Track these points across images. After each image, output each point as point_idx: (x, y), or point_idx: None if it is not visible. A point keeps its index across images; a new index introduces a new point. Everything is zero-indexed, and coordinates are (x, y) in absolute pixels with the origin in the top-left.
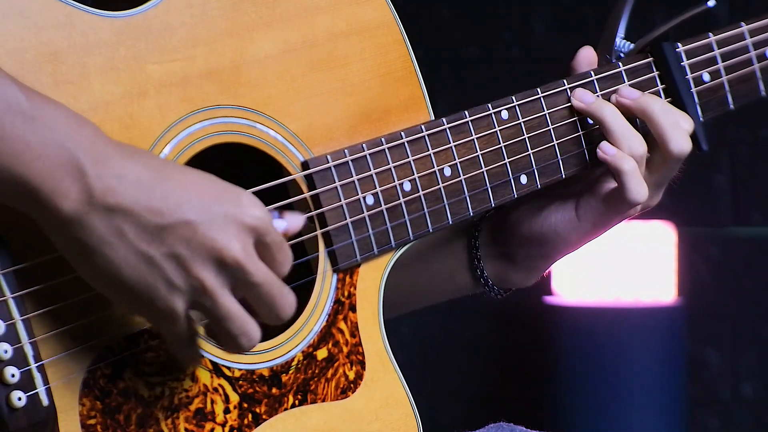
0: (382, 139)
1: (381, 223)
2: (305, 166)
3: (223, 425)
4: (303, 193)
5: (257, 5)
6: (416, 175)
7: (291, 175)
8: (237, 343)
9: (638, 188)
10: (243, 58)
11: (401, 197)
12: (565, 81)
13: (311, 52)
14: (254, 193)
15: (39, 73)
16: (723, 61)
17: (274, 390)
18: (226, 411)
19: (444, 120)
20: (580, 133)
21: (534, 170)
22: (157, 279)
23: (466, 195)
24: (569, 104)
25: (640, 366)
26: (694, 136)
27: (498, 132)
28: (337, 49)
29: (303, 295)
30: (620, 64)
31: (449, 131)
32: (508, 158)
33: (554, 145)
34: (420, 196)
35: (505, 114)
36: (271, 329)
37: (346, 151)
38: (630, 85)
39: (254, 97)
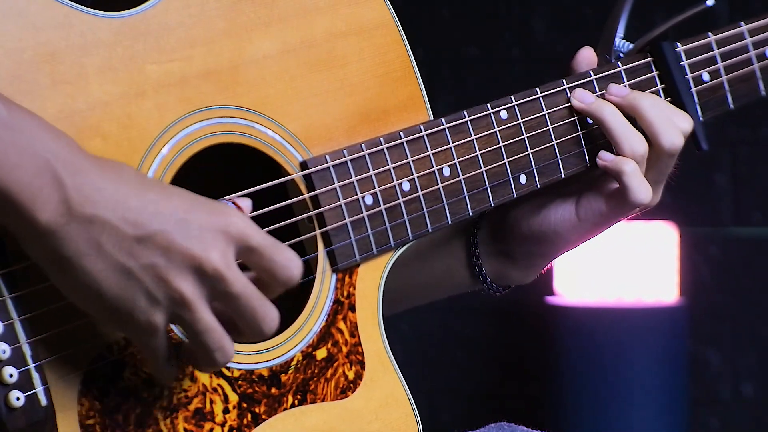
0: (381, 139)
1: (380, 223)
2: (304, 166)
3: (222, 425)
4: (302, 194)
5: (256, 5)
6: (415, 175)
7: (290, 175)
8: (212, 358)
9: (641, 188)
10: (241, 58)
11: (400, 197)
12: (564, 81)
13: (310, 52)
14: (253, 193)
15: (37, 73)
16: (722, 61)
17: (273, 390)
18: (225, 411)
19: (443, 120)
20: (580, 132)
21: (533, 170)
22: (136, 292)
23: (466, 195)
24: (568, 104)
25: (641, 366)
26: (693, 136)
27: (497, 132)
28: (335, 49)
29: (302, 294)
30: (619, 63)
31: (448, 131)
32: (507, 158)
33: (553, 144)
34: (419, 196)
35: (504, 114)
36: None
37: (345, 151)
38: (629, 85)
39: (253, 97)
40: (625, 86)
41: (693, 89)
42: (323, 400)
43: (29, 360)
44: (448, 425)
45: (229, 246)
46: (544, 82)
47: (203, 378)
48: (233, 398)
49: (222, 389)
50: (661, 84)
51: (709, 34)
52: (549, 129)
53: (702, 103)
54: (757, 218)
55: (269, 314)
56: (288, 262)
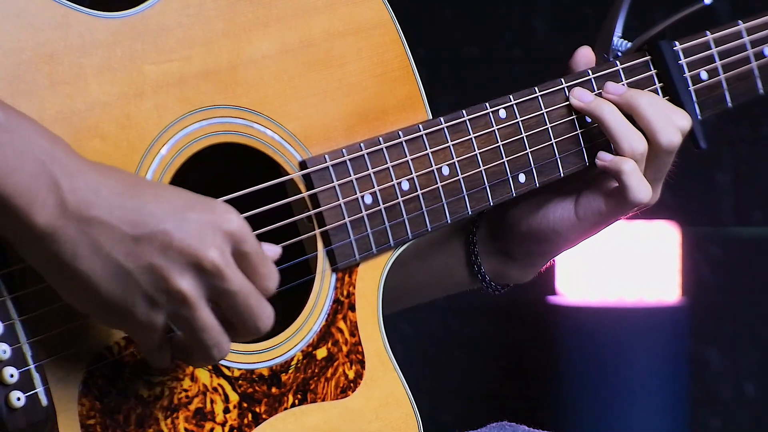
0: (380, 139)
1: (379, 223)
2: (303, 165)
3: (223, 425)
4: (301, 193)
5: (254, 5)
6: (414, 175)
7: (289, 174)
8: (209, 354)
9: (640, 187)
10: (240, 59)
11: (399, 196)
12: (562, 80)
13: (308, 52)
14: (252, 192)
15: (36, 73)
16: (720, 59)
17: (273, 389)
18: (226, 411)
19: (442, 119)
20: (578, 131)
21: (532, 169)
22: (136, 294)
23: (465, 194)
24: (567, 103)
25: (642, 366)
26: (692, 135)
27: (496, 131)
28: (334, 49)
29: (302, 294)
30: (617, 62)
31: (447, 130)
32: (506, 157)
33: (552, 143)
34: (418, 195)
35: (502, 113)
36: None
37: (344, 150)
38: (628, 84)
39: (251, 97)
40: (623, 84)
41: (691, 88)
42: (323, 400)
43: (30, 360)
44: (449, 425)
45: (227, 243)
46: (545, 81)
47: (204, 378)
48: (234, 398)
49: (222, 389)
50: (659, 83)
51: (707, 32)
52: (548, 128)
53: (700, 101)
54: (758, 217)
55: (265, 312)
56: (271, 274)
